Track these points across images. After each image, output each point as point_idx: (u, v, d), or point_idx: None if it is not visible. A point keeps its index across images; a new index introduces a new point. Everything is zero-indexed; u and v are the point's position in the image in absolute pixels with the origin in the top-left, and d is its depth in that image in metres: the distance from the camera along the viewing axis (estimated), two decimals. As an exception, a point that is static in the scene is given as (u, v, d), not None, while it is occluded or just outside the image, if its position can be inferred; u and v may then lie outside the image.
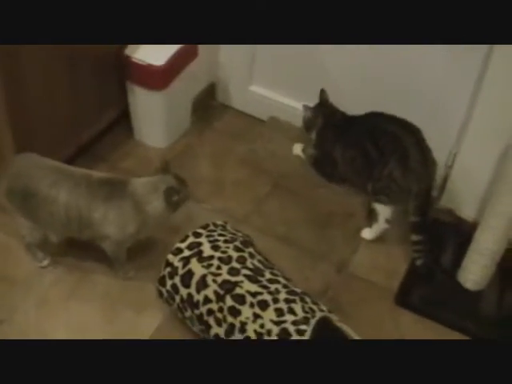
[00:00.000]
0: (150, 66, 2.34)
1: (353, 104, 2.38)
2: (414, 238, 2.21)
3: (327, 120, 2.40)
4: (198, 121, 2.72)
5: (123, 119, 2.58)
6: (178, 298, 1.96)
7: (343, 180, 2.41)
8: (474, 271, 2.21)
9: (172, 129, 2.60)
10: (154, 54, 2.35)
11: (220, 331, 1.89)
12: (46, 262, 2.19)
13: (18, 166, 2.03)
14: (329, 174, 2.45)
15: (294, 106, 2.59)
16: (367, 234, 2.37)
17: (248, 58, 2.61)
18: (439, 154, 2.29)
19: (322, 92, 2.42)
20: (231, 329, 1.86)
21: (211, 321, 1.90)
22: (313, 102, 2.44)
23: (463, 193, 2.40)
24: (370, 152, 2.26)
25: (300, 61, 2.53)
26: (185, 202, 2.08)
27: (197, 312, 1.92)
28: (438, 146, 2.27)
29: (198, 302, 1.92)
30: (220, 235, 2.02)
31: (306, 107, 2.43)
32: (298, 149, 2.57)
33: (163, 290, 1.99)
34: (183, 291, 1.94)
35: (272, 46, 2.50)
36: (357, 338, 1.88)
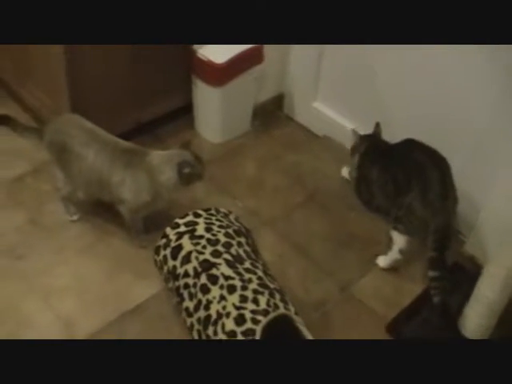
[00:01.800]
0: (210, 62, 2.51)
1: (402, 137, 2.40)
2: (431, 273, 2.17)
3: (370, 146, 2.44)
4: (260, 126, 2.85)
5: (190, 110, 2.76)
6: (165, 268, 2.09)
7: (377, 208, 2.42)
8: (472, 319, 2.15)
9: (229, 127, 2.75)
10: (217, 52, 2.51)
11: (190, 305, 1.99)
12: (75, 217, 2.40)
13: (59, 123, 2.26)
14: (365, 198, 2.47)
15: (350, 128, 2.63)
16: (381, 261, 2.37)
17: (314, 74, 2.71)
18: (472, 196, 2.28)
19: (377, 126, 2.45)
20: (198, 305, 1.96)
21: (185, 294, 2.01)
22: (368, 128, 2.49)
23: (489, 241, 2.34)
24: (399, 179, 2.27)
25: (363, 86, 2.59)
26: (198, 179, 2.21)
27: (176, 284, 2.04)
28: (473, 187, 2.26)
29: (179, 274, 2.03)
30: (217, 220, 2.13)
31: (354, 132, 2.48)
32: (345, 171, 2.63)
33: (157, 259, 2.13)
34: (170, 263, 2.07)
35: (338, 65, 2.61)
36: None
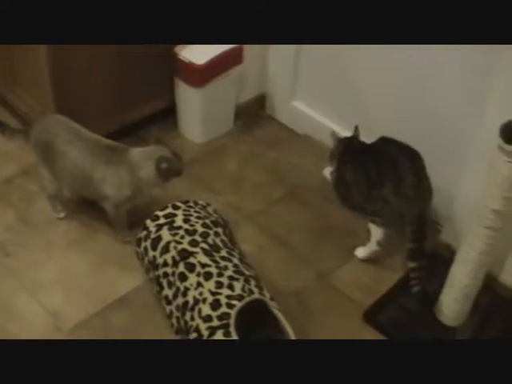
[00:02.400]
0: (191, 63, 2.60)
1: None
2: (411, 264, 2.23)
3: (346, 147, 2.46)
4: (242, 126, 2.94)
5: (174, 112, 2.85)
6: (146, 259, 2.17)
7: (355, 207, 2.45)
8: (446, 304, 2.22)
9: (211, 127, 2.84)
10: (198, 54, 2.60)
11: (169, 293, 2.07)
12: (62, 214, 2.49)
13: (44, 123, 2.35)
14: (343, 199, 2.46)
15: (329, 126, 2.70)
16: (360, 252, 2.44)
17: (292, 73, 2.80)
18: (446, 189, 2.36)
19: (356, 129, 2.46)
20: (176, 292, 2.05)
21: (164, 283, 2.09)
22: (347, 126, 2.55)
23: (462, 229, 2.39)
24: (371, 174, 2.33)
25: (341, 85, 2.67)
26: (176, 175, 2.29)
27: (156, 273, 2.12)
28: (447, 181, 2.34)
29: (158, 264, 2.11)
30: (195, 212, 2.21)
31: (333, 134, 2.50)
32: (327, 171, 2.67)
33: (138, 251, 2.21)
34: (150, 253, 2.15)
35: (316, 63, 2.70)
36: (288, 328, 1.98)
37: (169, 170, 2.25)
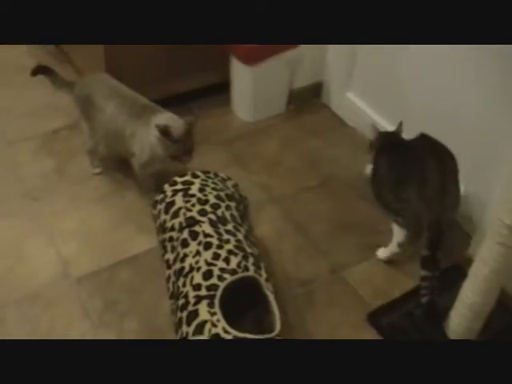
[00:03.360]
0: (245, 41, 2.61)
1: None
2: (422, 273, 2.14)
3: (385, 142, 2.41)
4: (293, 111, 2.93)
5: (228, 88, 2.88)
6: (158, 222, 2.20)
7: (383, 203, 2.40)
8: (454, 319, 2.13)
9: (261, 107, 2.84)
10: (253, 32, 2.61)
11: (170, 257, 2.09)
12: (97, 170, 2.57)
13: (86, 79, 2.44)
14: (375, 191, 2.40)
15: (377, 122, 2.66)
16: (381, 252, 2.38)
17: (349, 64, 2.77)
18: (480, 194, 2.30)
19: (399, 125, 2.41)
20: (176, 257, 2.06)
21: (168, 247, 2.11)
22: (394, 123, 2.50)
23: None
24: (400, 171, 2.27)
25: (395, 82, 2.62)
26: (182, 156, 2.28)
27: (163, 236, 2.14)
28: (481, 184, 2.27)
29: (167, 227, 2.14)
30: (213, 183, 2.22)
31: (373, 127, 2.45)
32: (368, 169, 2.63)
33: (153, 213, 2.25)
34: (162, 217, 2.18)
35: (372, 57, 2.66)
36: (276, 311, 1.96)
37: (171, 140, 2.24)
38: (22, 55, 3.02)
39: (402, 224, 2.27)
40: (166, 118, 2.30)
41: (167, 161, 2.33)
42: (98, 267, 2.26)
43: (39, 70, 2.50)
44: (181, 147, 2.26)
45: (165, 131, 2.22)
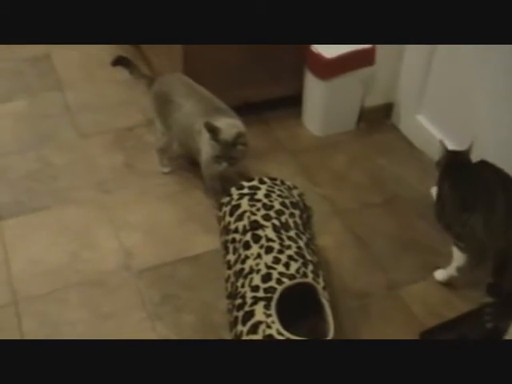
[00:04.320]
0: (320, 55, 2.66)
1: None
2: (486, 299, 2.14)
3: (450, 161, 2.41)
4: (363, 129, 2.96)
5: (300, 101, 2.93)
6: (222, 223, 2.25)
7: (444, 225, 2.40)
8: None
9: (331, 122, 2.88)
10: (330, 47, 2.66)
11: (232, 258, 2.14)
12: (166, 170, 2.64)
13: (166, 78, 2.52)
14: (437, 211, 2.40)
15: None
16: (438, 274, 2.38)
17: (421, 86, 2.77)
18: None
19: (470, 145, 2.38)
20: (237, 258, 2.11)
21: (230, 248, 2.16)
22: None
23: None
24: (466, 195, 2.27)
25: (465, 107, 2.62)
26: (228, 160, 2.34)
27: (226, 238, 2.19)
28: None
29: (230, 229, 2.19)
30: (279, 190, 2.26)
31: (441, 144, 2.44)
32: (434, 190, 2.63)
33: (219, 214, 2.30)
34: (227, 218, 2.22)
35: (443, 81, 2.67)
36: (331, 320, 1.98)
37: (219, 143, 2.30)
38: (102, 53, 3.12)
39: (463, 249, 2.27)
40: (226, 121, 2.36)
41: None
42: (159, 262, 2.33)
43: (119, 60, 2.61)
44: (224, 152, 2.32)
45: (212, 131, 2.29)
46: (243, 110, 2.68)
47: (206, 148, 2.38)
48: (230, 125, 2.35)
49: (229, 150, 2.32)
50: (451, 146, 2.61)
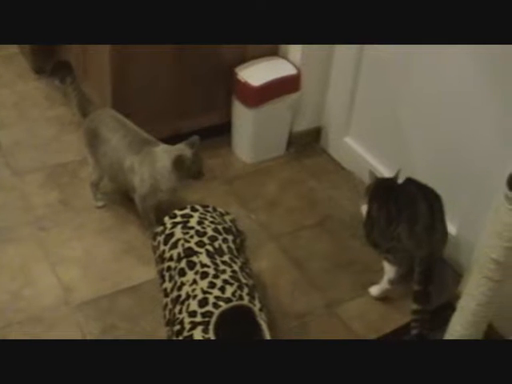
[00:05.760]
0: (247, 83, 2.73)
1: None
2: (413, 306, 2.22)
3: (378, 186, 2.49)
4: (293, 154, 3.03)
5: (229, 129, 2.99)
6: (157, 253, 2.28)
7: (373, 243, 2.46)
8: (443, 352, 2.19)
9: (261, 149, 2.94)
10: (256, 75, 2.74)
11: (168, 286, 2.16)
12: (100, 204, 2.66)
13: (96, 114, 2.55)
14: (366, 232, 2.48)
15: (374, 166, 2.76)
16: (373, 290, 2.44)
17: (347, 109, 2.86)
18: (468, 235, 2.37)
19: (397, 172, 2.47)
20: (173, 286, 2.14)
21: (166, 276, 2.18)
22: (391, 167, 2.58)
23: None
24: (391, 210, 2.35)
25: (389, 128, 2.72)
26: (193, 177, 2.41)
27: (162, 266, 2.22)
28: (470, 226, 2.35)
29: (165, 258, 2.21)
30: (211, 217, 2.30)
31: (371, 173, 2.52)
32: (364, 209, 2.70)
33: (153, 244, 2.32)
34: (161, 247, 2.25)
35: (370, 103, 2.77)
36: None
37: (186, 170, 2.37)
38: (34, 91, 3.17)
39: (393, 261, 2.35)
40: (166, 147, 2.42)
41: (171, 191, 2.45)
42: (97, 295, 2.34)
43: (58, 66, 2.63)
44: (192, 171, 2.39)
45: (178, 162, 2.35)
46: (173, 140, 2.73)
47: (147, 181, 2.42)
48: (174, 149, 2.41)
49: (197, 165, 2.41)
50: (380, 167, 2.71)
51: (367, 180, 2.54)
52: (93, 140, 2.50)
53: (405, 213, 2.30)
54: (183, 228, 2.25)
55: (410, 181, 2.40)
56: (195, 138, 2.43)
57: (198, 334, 1.95)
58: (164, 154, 2.39)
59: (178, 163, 2.36)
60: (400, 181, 2.45)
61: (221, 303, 2.01)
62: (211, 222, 2.27)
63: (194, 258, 2.14)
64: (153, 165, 2.39)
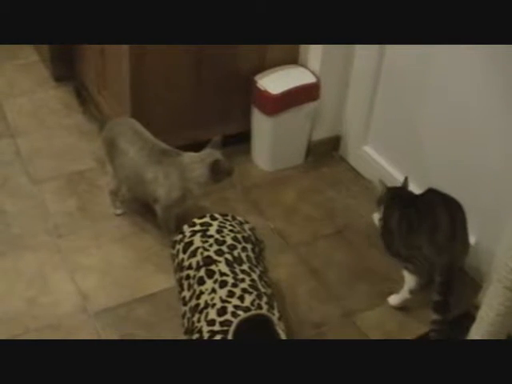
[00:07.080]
0: (266, 91, 2.73)
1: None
2: (433, 316, 2.21)
3: (393, 197, 2.48)
4: (312, 163, 3.02)
5: (248, 138, 2.99)
6: (176, 261, 2.27)
7: (393, 253, 2.45)
8: (462, 364, 2.17)
9: (280, 157, 2.94)
10: (275, 84, 2.74)
11: (187, 295, 2.16)
12: (118, 211, 2.66)
13: (113, 123, 2.56)
14: (386, 243, 2.48)
15: (393, 175, 2.75)
16: (392, 299, 2.43)
17: (366, 117, 2.86)
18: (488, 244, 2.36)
19: (405, 180, 2.49)
20: (192, 294, 2.13)
21: (185, 285, 2.18)
22: (411, 178, 2.57)
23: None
24: (413, 220, 2.34)
25: (408, 136, 2.71)
26: (227, 176, 2.44)
27: (181, 275, 2.22)
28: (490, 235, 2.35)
29: (184, 266, 2.21)
30: (230, 225, 2.29)
31: (381, 183, 2.52)
32: (376, 217, 2.69)
33: (172, 252, 2.32)
34: (180, 256, 2.25)
35: (390, 112, 2.76)
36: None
37: (222, 172, 2.40)
38: (53, 99, 3.19)
39: (413, 271, 2.33)
40: (192, 156, 2.44)
41: (200, 196, 2.50)
42: (115, 303, 2.34)
43: (78, 94, 2.73)
44: (227, 170, 2.44)
45: (215, 167, 2.38)
46: (192, 149, 2.74)
47: (176, 189, 2.43)
48: (198, 156, 2.45)
49: (227, 165, 2.44)
50: (399, 175, 2.69)
51: (378, 189, 2.54)
52: (110, 149, 2.51)
53: (425, 221, 2.29)
54: (202, 236, 2.24)
55: (431, 190, 2.39)
56: (218, 138, 2.47)
57: (216, 343, 1.95)
58: (197, 163, 2.40)
59: (216, 168, 2.39)
60: (412, 189, 2.45)
61: (239, 312, 2.00)
62: (230, 231, 2.27)
63: (213, 267, 2.14)
64: (183, 175, 2.40)
